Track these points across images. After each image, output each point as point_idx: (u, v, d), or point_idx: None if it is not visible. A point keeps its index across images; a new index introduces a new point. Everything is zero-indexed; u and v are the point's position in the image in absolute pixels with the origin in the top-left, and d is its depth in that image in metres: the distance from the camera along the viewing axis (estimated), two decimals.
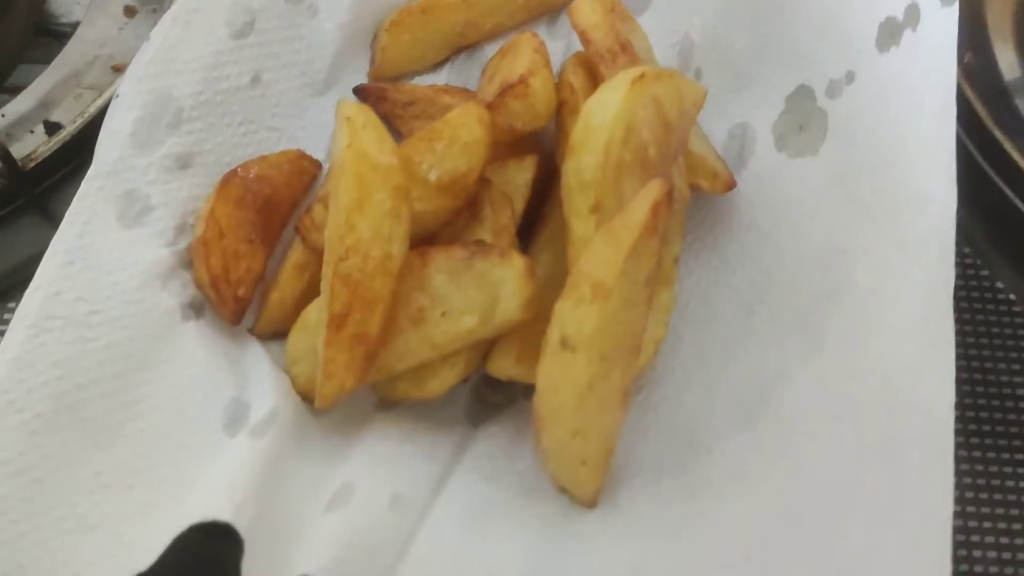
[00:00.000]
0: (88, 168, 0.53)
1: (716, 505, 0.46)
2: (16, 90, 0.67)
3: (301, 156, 0.59)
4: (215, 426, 0.48)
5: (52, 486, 0.44)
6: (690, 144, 0.57)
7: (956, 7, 0.52)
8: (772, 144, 0.58)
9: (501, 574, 0.45)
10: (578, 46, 0.56)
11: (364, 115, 0.49)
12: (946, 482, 0.41)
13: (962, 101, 0.60)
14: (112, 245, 0.51)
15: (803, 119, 0.57)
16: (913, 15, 0.54)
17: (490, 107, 0.52)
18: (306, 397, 0.51)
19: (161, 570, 0.41)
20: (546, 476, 0.49)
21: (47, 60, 0.68)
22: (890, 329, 0.47)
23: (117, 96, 0.56)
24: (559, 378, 0.43)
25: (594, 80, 0.54)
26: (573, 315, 0.43)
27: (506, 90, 0.52)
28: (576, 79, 0.54)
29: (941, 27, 0.52)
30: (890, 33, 0.54)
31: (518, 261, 0.48)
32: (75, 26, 0.71)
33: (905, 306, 0.47)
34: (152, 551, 0.41)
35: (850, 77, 0.55)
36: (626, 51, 0.54)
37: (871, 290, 0.48)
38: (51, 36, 0.73)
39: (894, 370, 0.45)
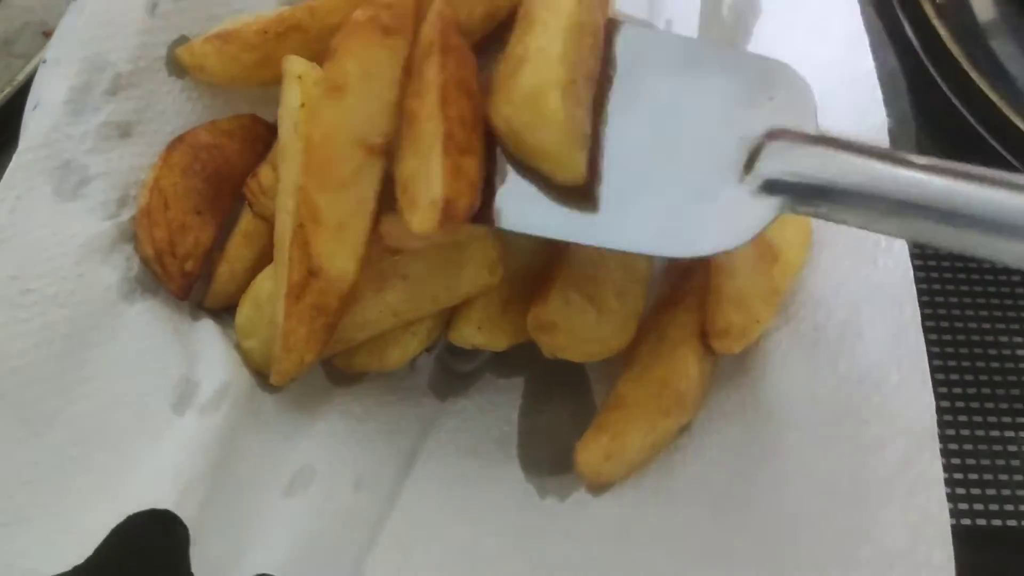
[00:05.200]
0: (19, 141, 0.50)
1: (697, 455, 0.45)
2: None
3: (255, 121, 0.55)
4: (161, 407, 0.45)
5: None
6: None
7: None
8: None
9: (485, 545, 0.43)
10: None
11: (315, 72, 0.46)
12: (925, 390, 0.41)
13: (936, 41, 0.59)
14: (47, 219, 0.48)
15: None
16: None
17: None
18: (260, 373, 0.48)
19: (98, 564, 0.38)
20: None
21: None
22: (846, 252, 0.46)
23: (45, 62, 0.52)
24: None
25: None
26: None
27: None
28: None
29: None
30: None
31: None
32: None
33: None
34: (91, 542, 0.38)
35: None
36: None
37: None
38: None
39: (857, 297, 0.45)
